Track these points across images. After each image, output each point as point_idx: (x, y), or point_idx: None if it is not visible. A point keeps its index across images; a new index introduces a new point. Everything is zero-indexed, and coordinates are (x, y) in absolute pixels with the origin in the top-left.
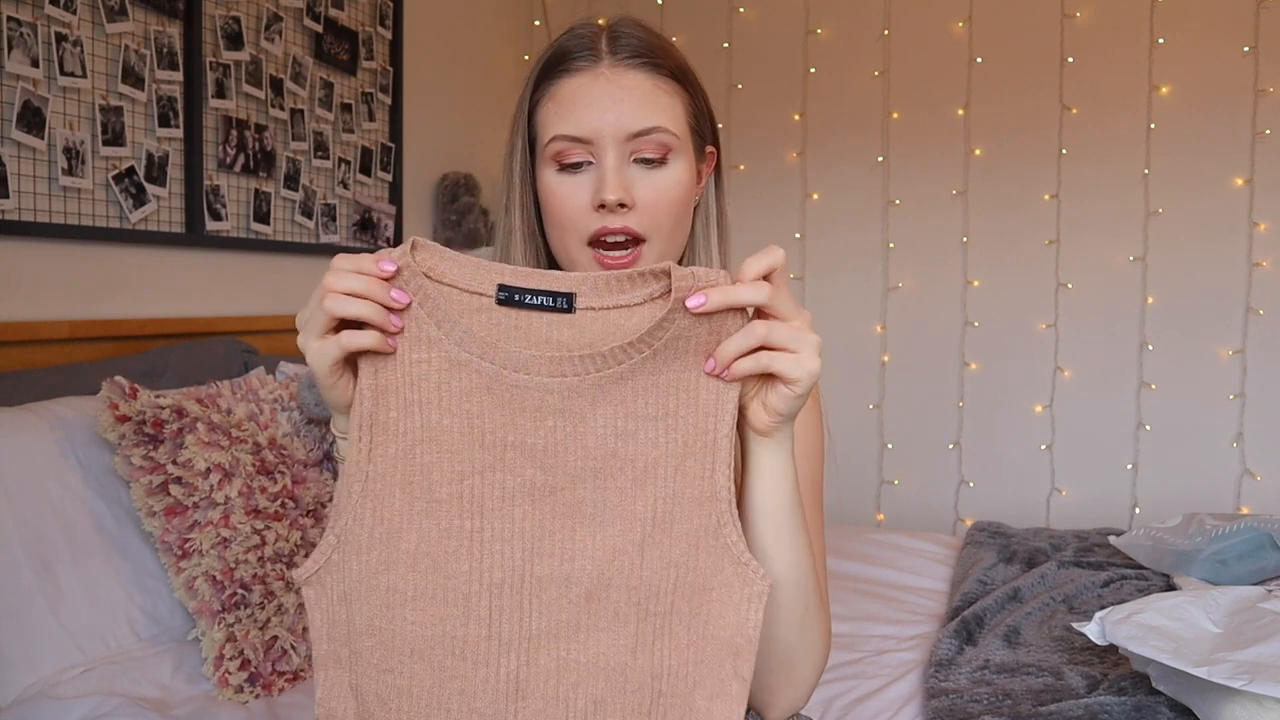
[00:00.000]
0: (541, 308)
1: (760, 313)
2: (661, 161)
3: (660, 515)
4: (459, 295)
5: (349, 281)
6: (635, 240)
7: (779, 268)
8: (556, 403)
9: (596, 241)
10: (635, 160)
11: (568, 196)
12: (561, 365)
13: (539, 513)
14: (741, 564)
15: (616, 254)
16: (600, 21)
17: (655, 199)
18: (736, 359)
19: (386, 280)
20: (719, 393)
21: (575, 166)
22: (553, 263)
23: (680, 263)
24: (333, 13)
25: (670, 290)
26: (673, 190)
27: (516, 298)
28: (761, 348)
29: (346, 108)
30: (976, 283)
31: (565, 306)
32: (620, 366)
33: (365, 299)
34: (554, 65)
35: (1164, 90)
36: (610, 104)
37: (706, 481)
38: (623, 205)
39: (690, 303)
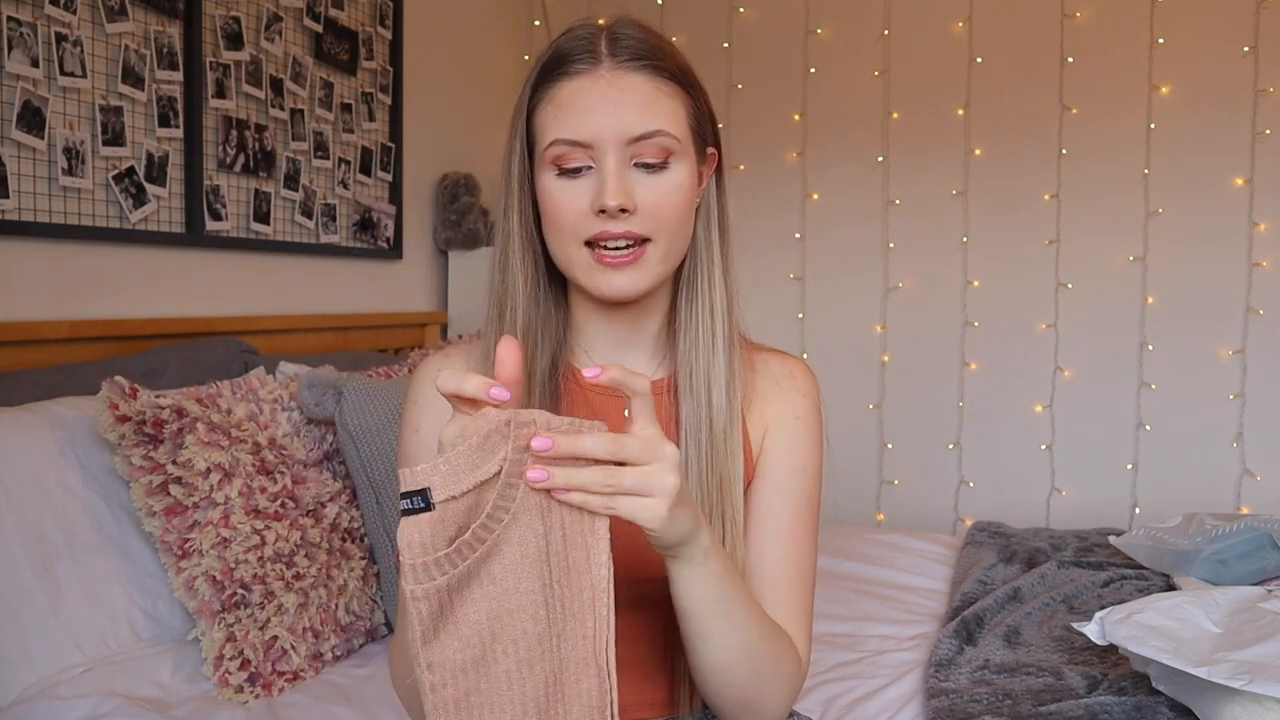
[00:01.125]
0: (407, 513)
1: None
2: (663, 166)
3: (552, 692)
4: None
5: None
6: (639, 241)
7: (639, 393)
8: (428, 609)
9: (595, 243)
10: (636, 164)
11: (567, 201)
12: (429, 571)
13: None
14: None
15: (617, 254)
16: (601, 21)
17: (656, 203)
18: (575, 490)
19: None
20: (588, 548)
21: (575, 171)
22: (551, 266)
23: (683, 265)
24: (333, 13)
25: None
26: (674, 194)
27: (404, 508)
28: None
29: (346, 108)
30: (976, 283)
31: (423, 505)
32: (482, 547)
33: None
34: (553, 68)
35: (1164, 90)
36: (611, 108)
37: (590, 643)
38: (624, 210)
39: (535, 444)
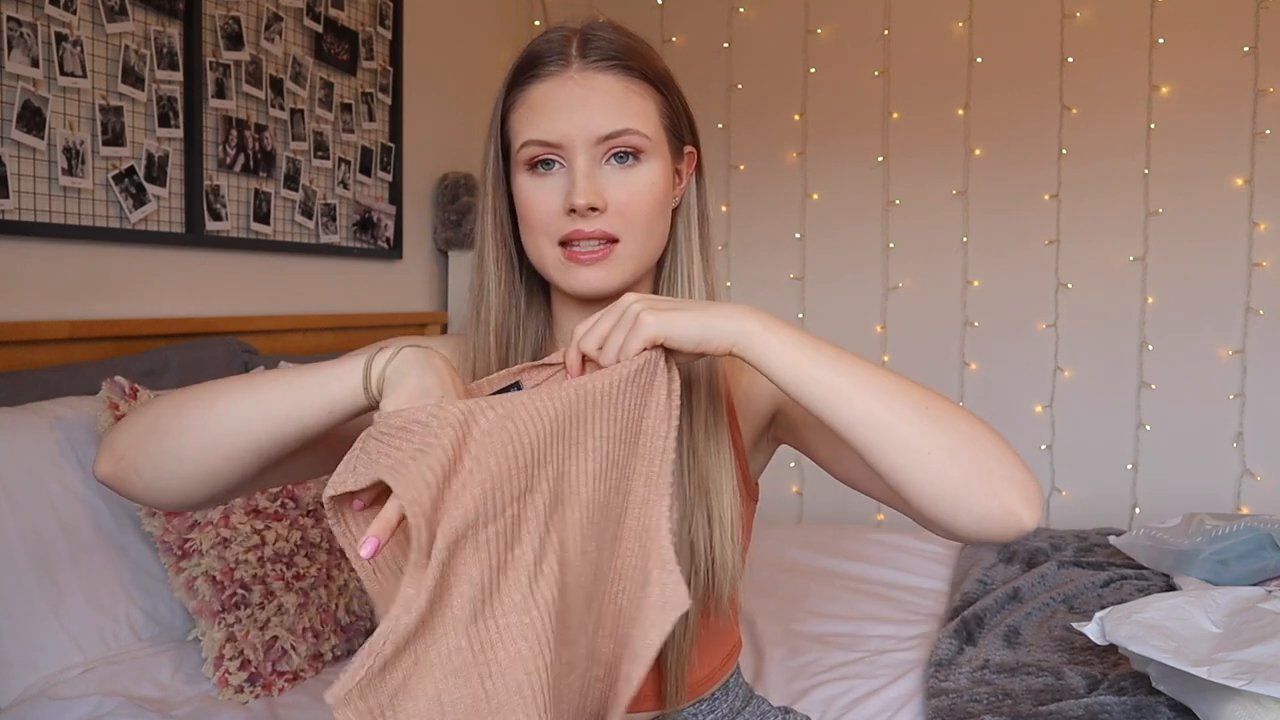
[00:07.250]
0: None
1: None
2: (634, 163)
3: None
4: None
5: None
6: (608, 239)
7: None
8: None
9: (567, 241)
10: (607, 162)
11: (540, 200)
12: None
13: None
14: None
15: (588, 250)
16: (599, 18)
17: (627, 200)
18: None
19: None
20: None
21: (547, 166)
22: (525, 264)
23: (661, 265)
24: (333, 13)
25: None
26: (645, 192)
27: None
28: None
29: (346, 108)
30: (976, 283)
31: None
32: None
33: None
34: (525, 70)
35: (1164, 90)
36: (578, 107)
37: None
38: (594, 209)
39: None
